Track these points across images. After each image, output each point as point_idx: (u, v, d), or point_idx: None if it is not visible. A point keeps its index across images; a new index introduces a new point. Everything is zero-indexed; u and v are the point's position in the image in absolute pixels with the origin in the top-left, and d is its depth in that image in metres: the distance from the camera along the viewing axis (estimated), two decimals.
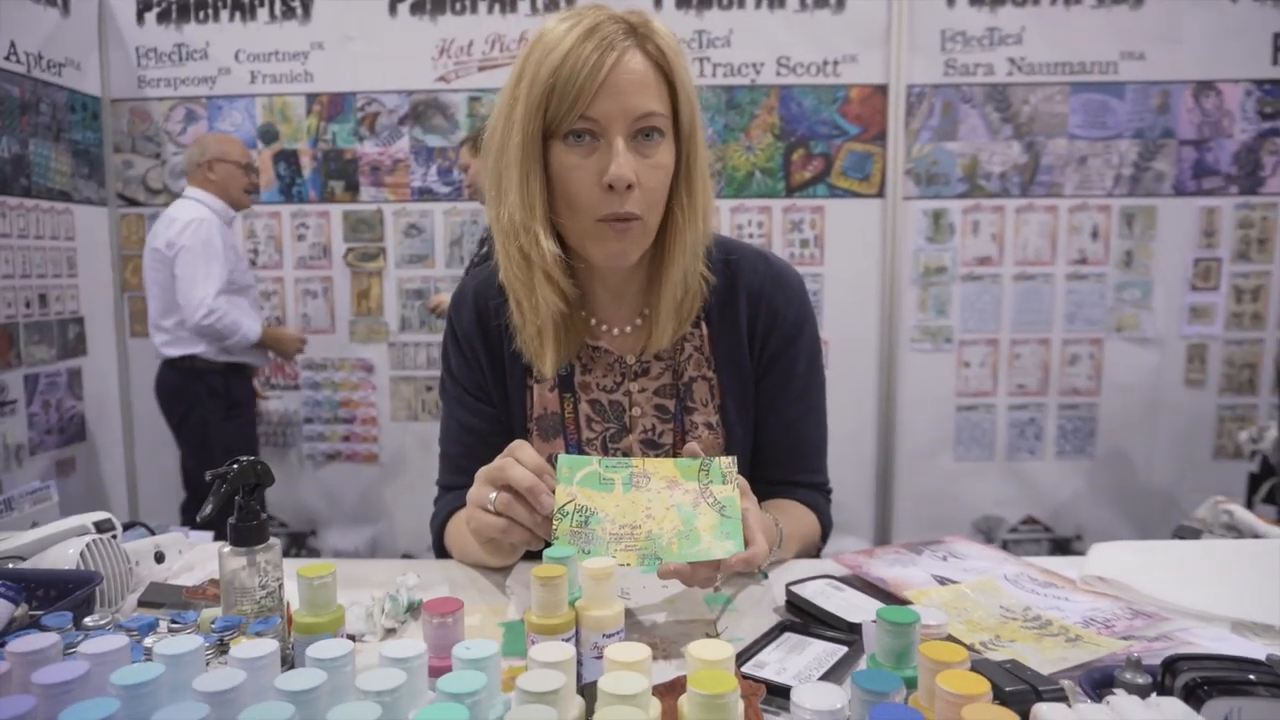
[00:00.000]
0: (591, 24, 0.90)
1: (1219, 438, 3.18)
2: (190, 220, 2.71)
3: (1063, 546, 3.21)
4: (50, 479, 2.91)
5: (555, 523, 0.82)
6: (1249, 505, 2.66)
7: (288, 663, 0.70)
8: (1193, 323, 3.15)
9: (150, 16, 3.15)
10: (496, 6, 3.10)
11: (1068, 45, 3.05)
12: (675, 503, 0.84)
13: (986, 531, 3.22)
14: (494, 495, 0.86)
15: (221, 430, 2.83)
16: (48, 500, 1.36)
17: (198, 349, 2.77)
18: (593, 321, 1.08)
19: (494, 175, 0.98)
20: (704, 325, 1.08)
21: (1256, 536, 1.69)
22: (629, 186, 0.90)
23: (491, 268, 1.06)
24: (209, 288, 2.67)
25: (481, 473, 0.88)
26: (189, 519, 2.90)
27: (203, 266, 2.68)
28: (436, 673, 0.62)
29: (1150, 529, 3.17)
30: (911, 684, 0.58)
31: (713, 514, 0.83)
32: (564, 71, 0.89)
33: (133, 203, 3.26)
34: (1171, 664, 0.56)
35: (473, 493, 0.89)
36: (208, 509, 0.75)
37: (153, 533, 1.06)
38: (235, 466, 0.75)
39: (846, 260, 3.15)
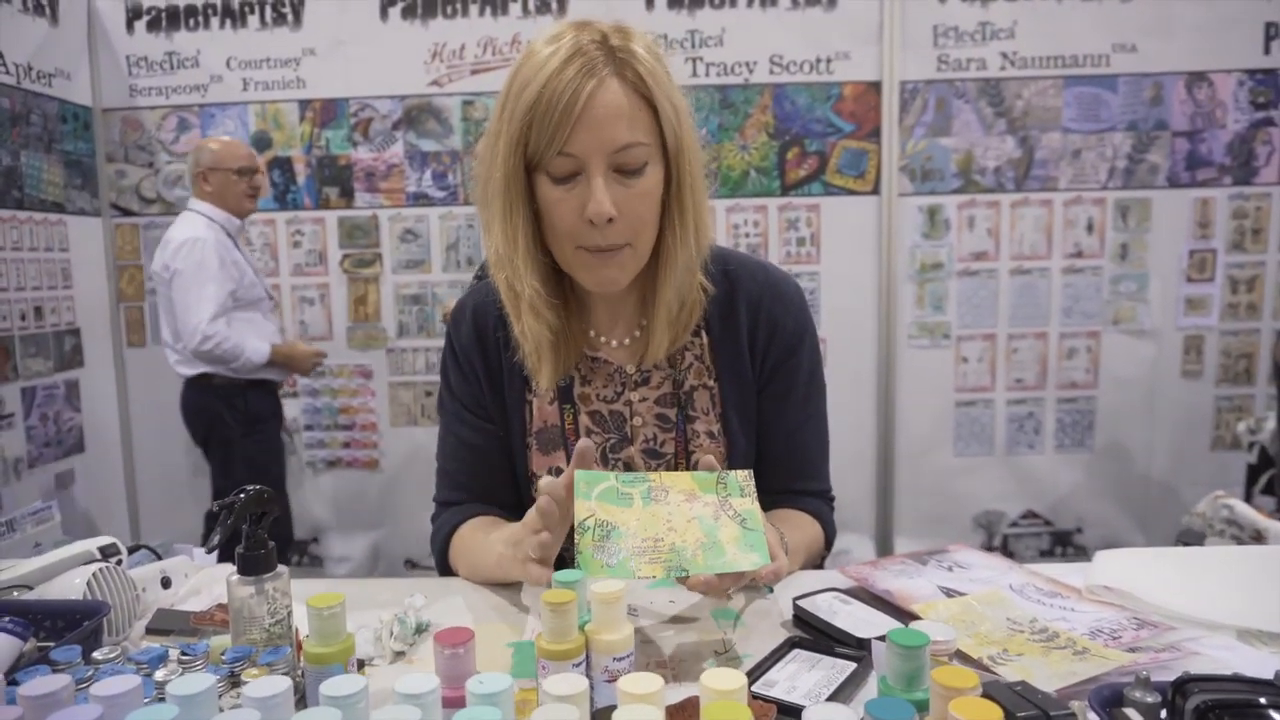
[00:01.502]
0: (571, 49, 0.89)
1: (1217, 429, 3.19)
2: (184, 241, 2.63)
3: (1063, 539, 3.22)
4: (49, 491, 2.91)
5: (577, 537, 0.81)
6: (1247, 497, 2.68)
7: (299, 693, 0.70)
8: (1189, 314, 3.16)
9: (140, 25, 3.14)
10: (488, 9, 3.09)
11: (1059, 38, 3.05)
12: (696, 515, 0.84)
13: (987, 526, 3.23)
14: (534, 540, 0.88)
15: (244, 447, 2.76)
16: (50, 520, 1.36)
17: (209, 367, 2.71)
18: (591, 333, 1.09)
19: (481, 204, 0.99)
20: (704, 334, 1.09)
21: (1257, 531, 1.70)
22: (610, 220, 0.91)
23: (491, 283, 1.07)
24: (203, 312, 2.58)
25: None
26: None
27: (195, 291, 2.60)
28: (450, 703, 0.62)
29: (1149, 521, 3.18)
30: (922, 707, 0.58)
31: (734, 526, 0.83)
32: (541, 106, 0.88)
33: (126, 212, 3.25)
34: (1182, 685, 0.57)
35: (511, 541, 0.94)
36: (215, 539, 0.75)
37: (159, 556, 1.06)
38: (241, 496, 0.75)
39: (843, 258, 3.15)
